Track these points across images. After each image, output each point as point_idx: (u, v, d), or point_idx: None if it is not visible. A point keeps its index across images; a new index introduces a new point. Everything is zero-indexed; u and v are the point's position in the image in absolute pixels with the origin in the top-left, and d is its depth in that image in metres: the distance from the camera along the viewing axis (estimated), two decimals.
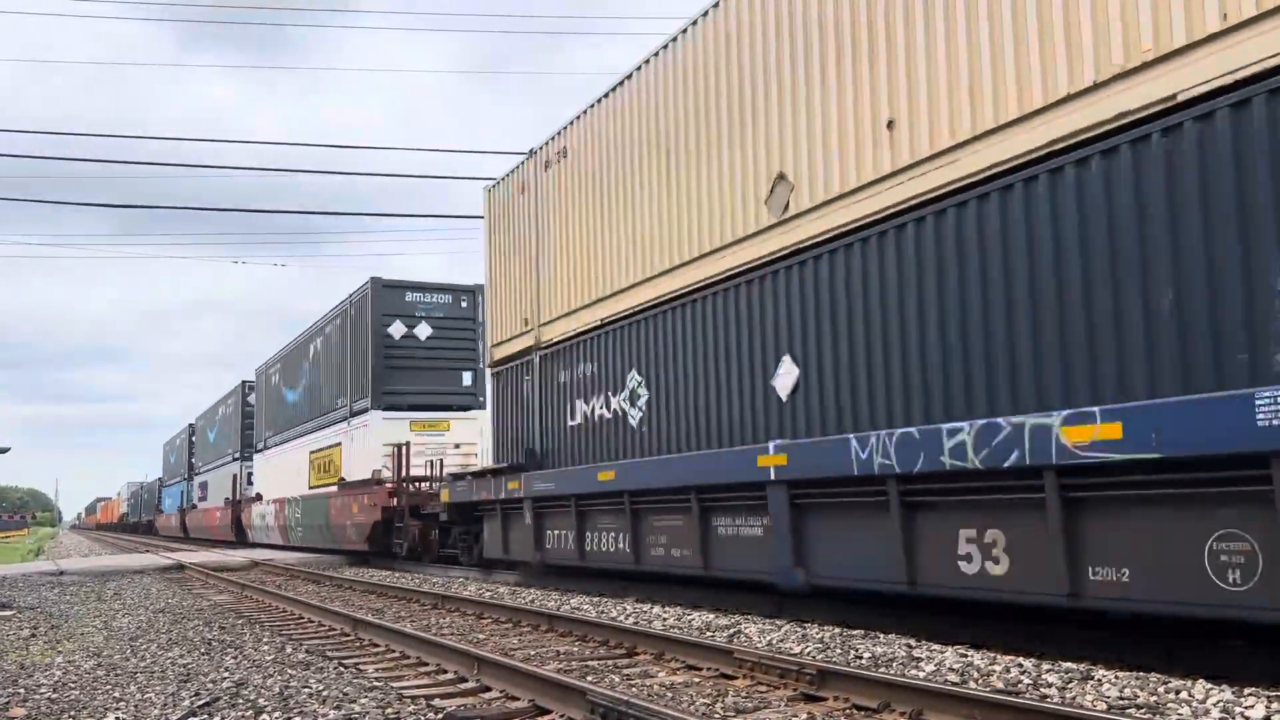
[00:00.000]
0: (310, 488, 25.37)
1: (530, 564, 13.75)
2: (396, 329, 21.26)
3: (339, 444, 23.29)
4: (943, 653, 6.71)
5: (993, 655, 6.55)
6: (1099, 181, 6.41)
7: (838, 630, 7.97)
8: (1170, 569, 5.67)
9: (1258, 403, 5.06)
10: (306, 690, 6.28)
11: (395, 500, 18.92)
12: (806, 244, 8.97)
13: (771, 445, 8.68)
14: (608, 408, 12.38)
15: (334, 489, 22.57)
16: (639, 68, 11.90)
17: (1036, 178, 6.82)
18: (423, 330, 21.47)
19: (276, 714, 5.59)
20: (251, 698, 6.09)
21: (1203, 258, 5.87)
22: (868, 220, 8.26)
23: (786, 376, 9.14)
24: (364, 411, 21.44)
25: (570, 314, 13.35)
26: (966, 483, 6.88)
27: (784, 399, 9.20)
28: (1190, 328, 5.93)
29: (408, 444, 19.49)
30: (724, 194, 10.20)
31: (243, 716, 5.58)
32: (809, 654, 6.92)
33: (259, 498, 31.12)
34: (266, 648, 8.40)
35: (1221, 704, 4.97)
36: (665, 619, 9.33)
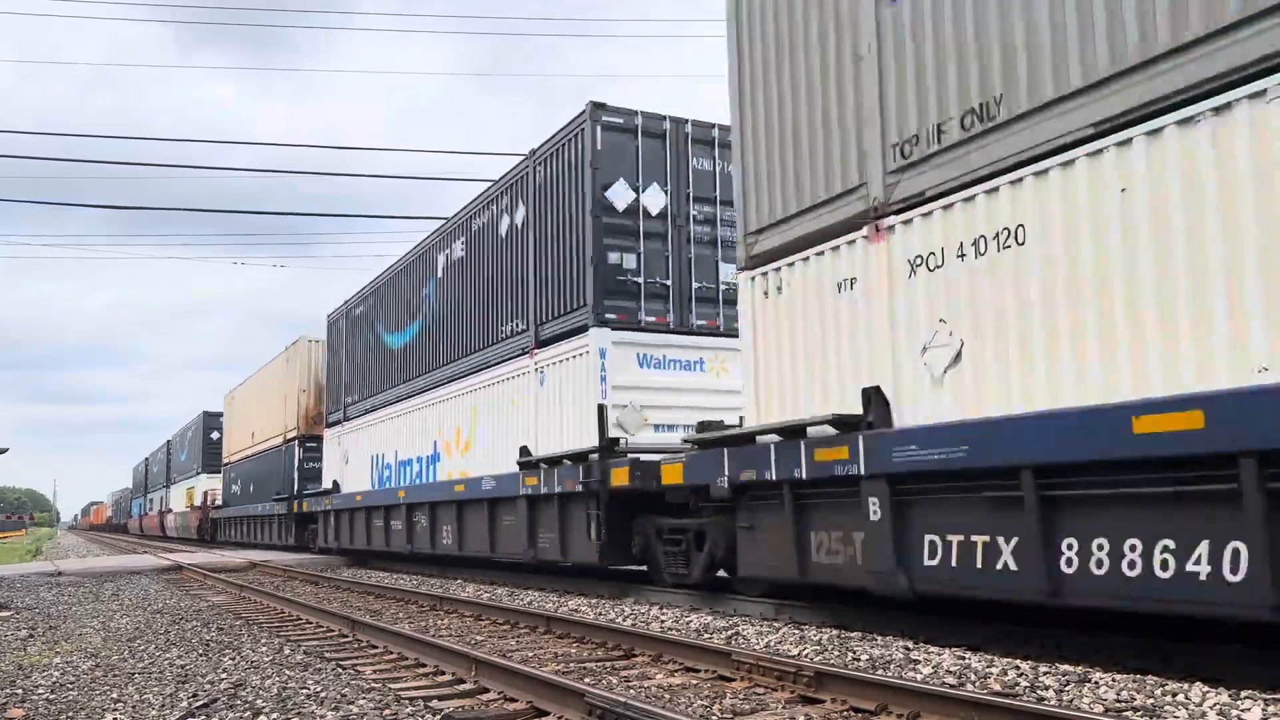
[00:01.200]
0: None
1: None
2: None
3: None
4: (940, 655, 6.72)
5: (990, 657, 6.56)
6: None
7: (835, 632, 7.98)
8: None
9: None
10: (304, 691, 6.28)
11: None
12: None
13: None
14: None
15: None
16: None
17: None
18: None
19: (275, 715, 5.59)
20: (249, 699, 6.09)
21: None
22: None
23: None
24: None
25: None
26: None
27: None
28: None
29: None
30: None
31: (241, 717, 5.59)
32: (807, 656, 6.93)
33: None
34: (264, 649, 8.40)
35: (1218, 707, 4.97)
36: (663, 621, 9.33)
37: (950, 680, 5.92)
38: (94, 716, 5.79)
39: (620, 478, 11.36)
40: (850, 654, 6.97)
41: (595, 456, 11.91)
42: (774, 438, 8.67)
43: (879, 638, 7.63)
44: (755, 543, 9.11)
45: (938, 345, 7.29)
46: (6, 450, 24.51)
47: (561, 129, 13.58)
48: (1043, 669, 6.04)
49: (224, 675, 7.04)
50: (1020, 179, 6.70)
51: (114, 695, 6.43)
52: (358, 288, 22.57)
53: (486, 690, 6.25)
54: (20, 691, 6.66)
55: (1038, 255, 6.56)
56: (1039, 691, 5.53)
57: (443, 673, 6.92)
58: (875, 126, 8.01)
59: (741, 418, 9.76)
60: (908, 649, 7.03)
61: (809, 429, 8.31)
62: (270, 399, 30.88)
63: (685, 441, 10.51)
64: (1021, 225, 6.68)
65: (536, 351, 13.93)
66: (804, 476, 8.20)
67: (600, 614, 10.06)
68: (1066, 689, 5.52)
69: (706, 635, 8.23)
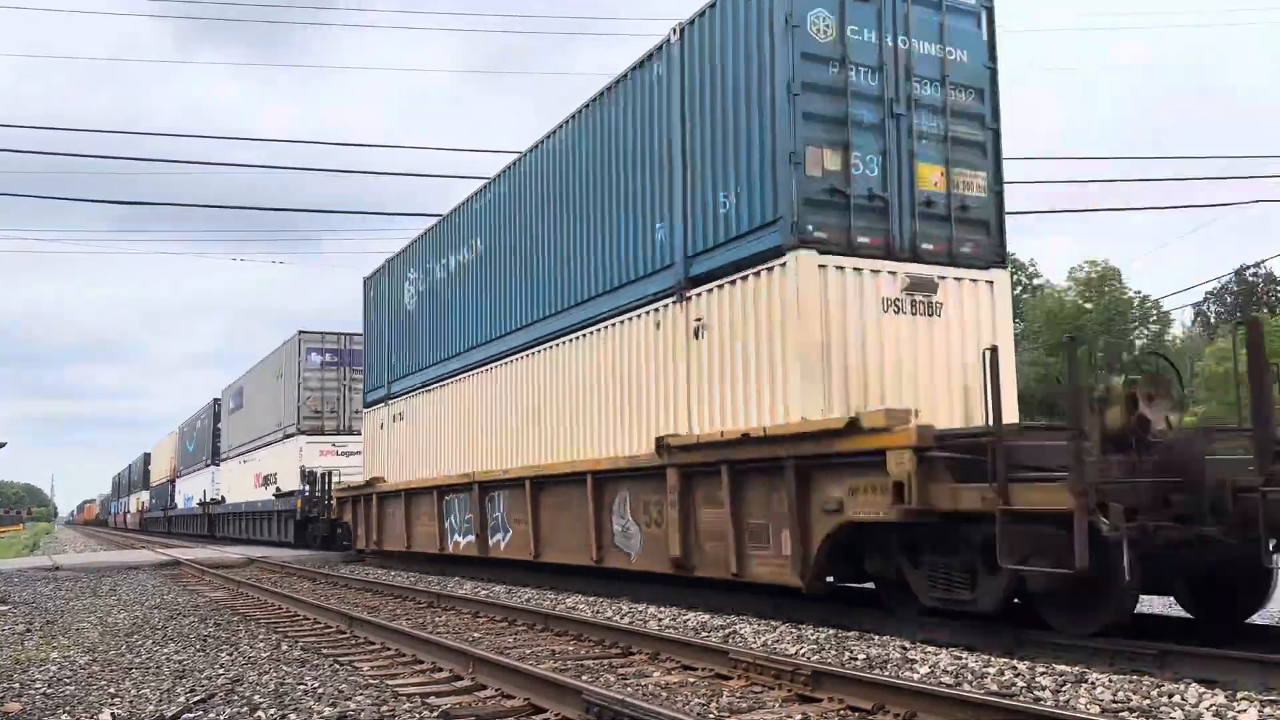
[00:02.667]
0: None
1: None
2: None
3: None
4: (937, 655, 6.72)
5: (987, 658, 6.57)
6: None
7: (833, 632, 7.98)
8: None
9: None
10: (302, 687, 6.28)
11: None
12: None
13: None
14: None
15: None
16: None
17: None
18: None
19: (272, 711, 5.59)
20: (247, 694, 6.09)
21: None
22: None
23: None
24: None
25: None
26: None
27: None
28: None
29: None
30: None
31: (238, 713, 5.59)
32: (804, 655, 6.93)
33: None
34: (262, 644, 8.40)
35: (1214, 708, 4.98)
36: (661, 619, 9.34)
37: (947, 680, 5.93)
38: (91, 711, 5.79)
39: None
40: (847, 653, 6.97)
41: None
42: None
43: (876, 637, 7.64)
44: None
45: None
46: (4, 445, 24.43)
47: None
48: (1039, 669, 6.04)
49: (221, 671, 7.04)
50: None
51: (111, 690, 6.43)
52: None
53: (484, 687, 6.26)
54: (17, 686, 6.66)
55: None
56: (1035, 692, 5.54)
57: (440, 669, 6.92)
58: None
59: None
60: (905, 649, 7.04)
61: None
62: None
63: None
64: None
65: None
66: None
67: (598, 612, 10.07)
68: (1063, 689, 5.53)
69: (704, 634, 8.24)
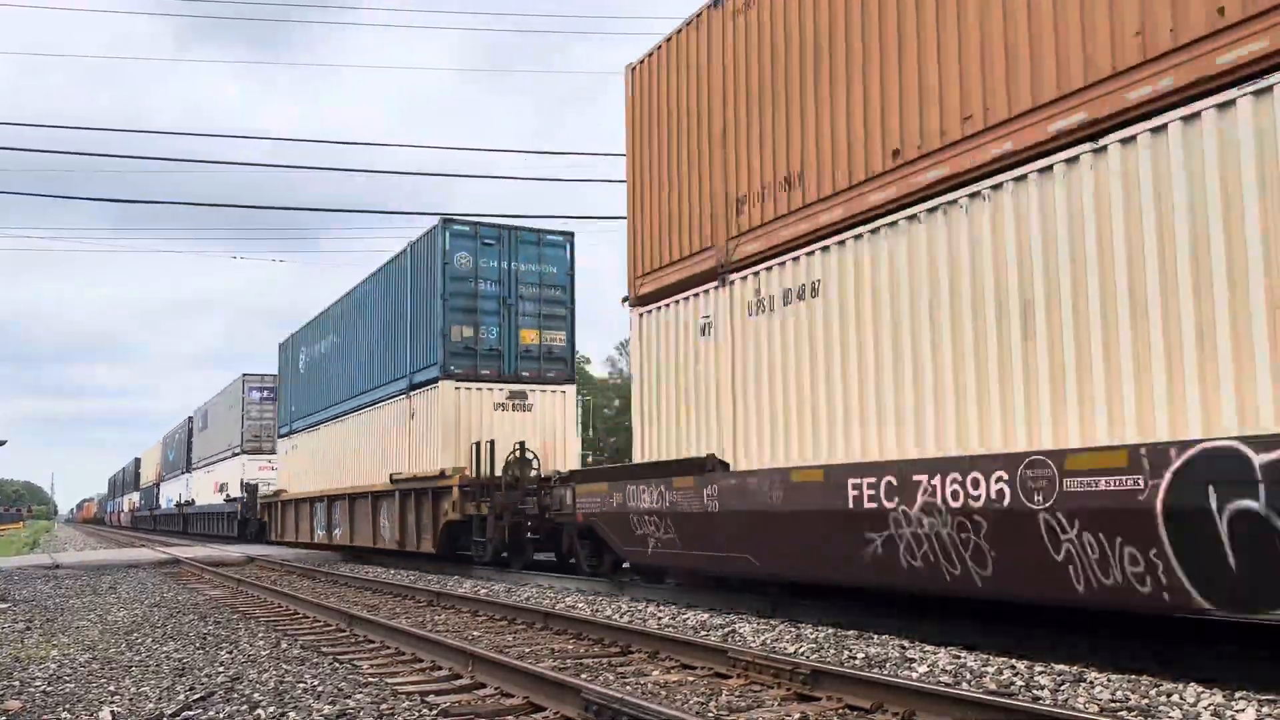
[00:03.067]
0: None
1: None
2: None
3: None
4: (936, 654, 6.73)
5: (985, 657, 6.58)
6: None
7: (832, 631, 7.99)
8: None
9: None
10: (301, 685, 6.29)
11: None
12: None
13: None
14: None
15: None
16: None
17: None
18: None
19: (271, 709, 5.60)
20: (247, 692, 6.10)
21: None
22: None
23: None
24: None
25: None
26: None
27: None
28: None
29: None
30: None
31: (238, 711, 5.59)
32: (803, 654, 6.94)
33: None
34: (262, 643, 8.41)
35: (1212, 707, 4.99)
36: (660, 618, 9.34)
37: (946, 679, 5.94)
38: (91, 709, 5.79)
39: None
40: (846, 652, 6.98)
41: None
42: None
43: (875, 636, 7.65)
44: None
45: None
46: (5, 443, 24.44)
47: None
48: (1038, 668, 6.05)
49: (221, 669, 7.04)
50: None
51: (111, 688, 6.44)
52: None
53: (483, 685, 6.26)
54: (18, 684, 6.67)
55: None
56: (1034, 691, 5.55)
57: (440, 668, 6.93)
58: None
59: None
60: (904, 647, 7.05)
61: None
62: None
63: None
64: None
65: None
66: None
67: (597, 610, 10.07)
68: (1062, 688, 5.54)
69: (703, 633, 8.24)
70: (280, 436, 27.97)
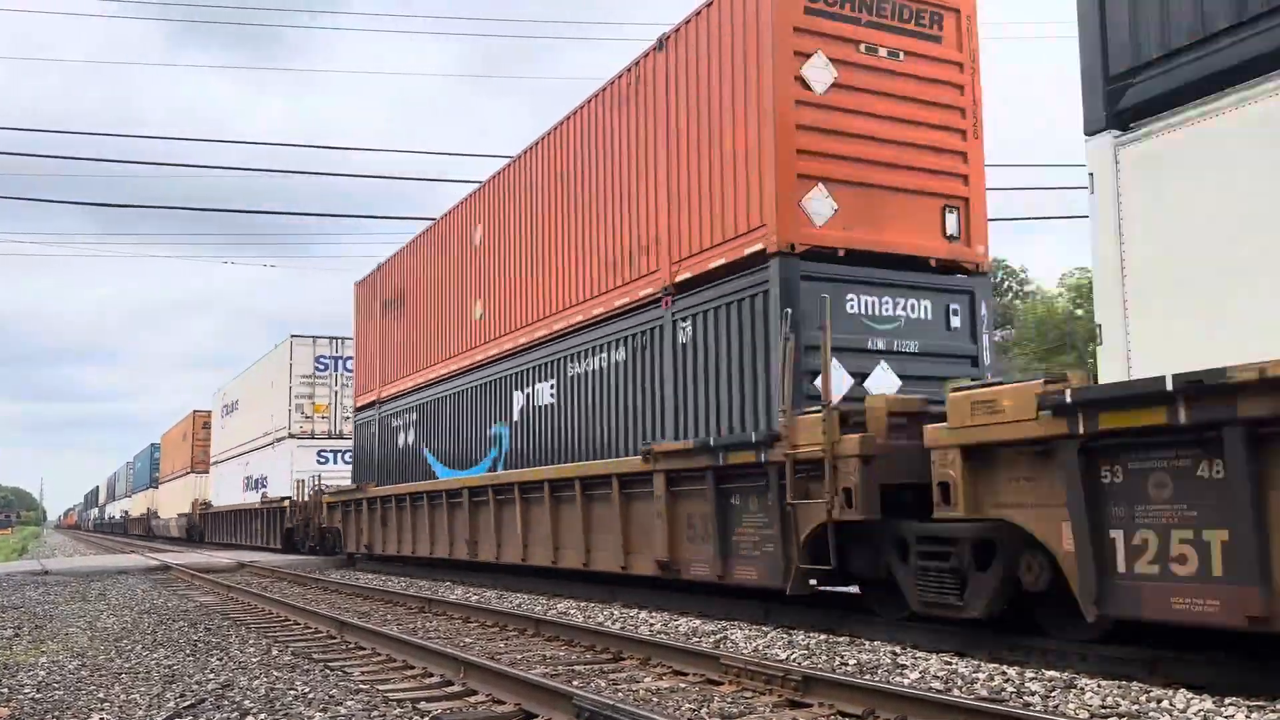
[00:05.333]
0: None
1: None
2: None
3: None
4: (927, 660, 6.74)
5: (976, 663, 6.59)
6: None
7: (824, 637, 8.00)
8: None
9: None
10: (292, 692, 6.27)
11: None
12: None
13: None
14: None
15: None
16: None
17: None
18: None
19: (263, 715, 5.58)
20: (237, 699, 6.08)
21: None
22: None
23: None
24: None
25: None
26: None
27: None
28: None
29: None
30: None
31: (228, 718, 5.58)
32: (795, 660, 6.94)
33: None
34: (252, 649, 8.38)
35: (1202, 713, 5.01)
36: (652, 624, 9.34)
37: (937, 685, 5.94)
38: (80, 716, 5.77)
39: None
40: (838, 658, 6.99)
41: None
42: None
43: (867, 643, 7.65)
44: None
45: None
46: None
47: None
48: (1029, 674, 6.07)
49: (211, 676, 7.02)
50: None
51: (100, 695, 6.41)
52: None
53: (475, 692, 6.25)
54: (6, 690, 6.64)
55: None
56: (1025, 697, 5.56)
57: (431, 674, 6.91)
58: None
59: None
60: (895, 654, 7.06)
61: None
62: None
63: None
64: None
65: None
66: None
67: (589, 617, 10.06)
68: (1052, 694, 5.56)
69: (695, 639, 8.24)
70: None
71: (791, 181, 9.23)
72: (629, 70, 11.80)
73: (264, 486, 30.04)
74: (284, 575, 18.23)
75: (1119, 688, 5.60)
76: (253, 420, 32.44)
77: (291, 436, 28.13)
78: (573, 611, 10.64)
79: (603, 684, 6.36)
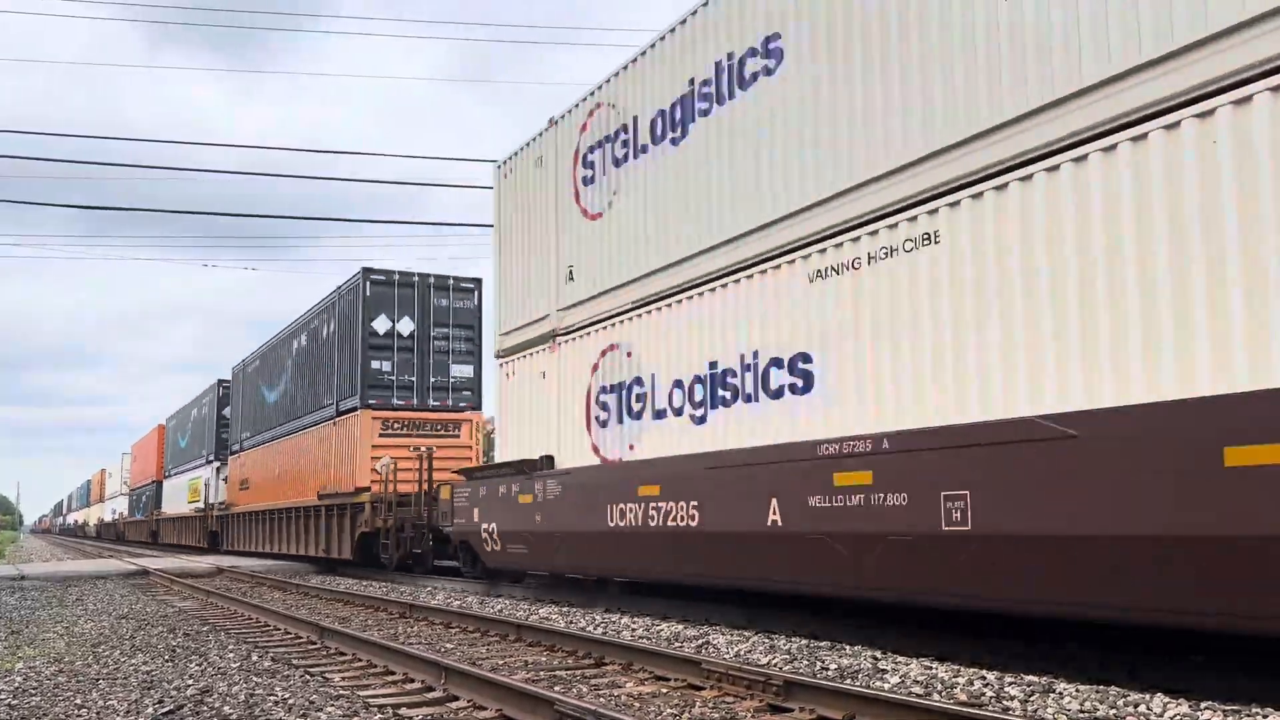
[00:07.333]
0: None
1: None
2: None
3: None
4: (908, 665, 6.77)
5: (956, 668, 6.62)
6: None
7: (805, 642, 8.02)
8: None
9: None
10: (272, 698, 6.24)
11: None
12: None
13: None
14: None
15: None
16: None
17: None
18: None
19: None
20: (216, 705, 6.04)
21: None
22: None
23: None
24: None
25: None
26: None
27: None
28: None
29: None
30: None
31: None
32: (776, 665, 6.96)
33: None
34: (231, 655, 8.33)
35: (1179, 717, 5.06)
36: (634, 629, 9.34)
37: (917, 690, 5.97)
38: None
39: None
40: (819, 663, 7.01)
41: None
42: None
43: (848, 647, 7.68)
44: None
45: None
46: None
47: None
48: (1008, 679, 6.10)
49: (190, 681, 6.97)
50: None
51: (78, 701, 6.36)
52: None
53: (456, 698, 6.24)
54: None
55: None
56: (1004, 701, 5.60)
57: (412, 680, 6.89)
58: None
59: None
60: (876, 658, 7.09)
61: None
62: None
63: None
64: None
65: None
66: None
67: (571, 622, 10.05)
68: (1031, 699, 5.59)
69: (677, 644, 8.25)
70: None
71: None
72: None
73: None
74: (263, 580, 18.13)
75: (1097, 692, 5.65)
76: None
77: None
78: (554, 617, 10.62)
79: (584, 689, 6.36)
